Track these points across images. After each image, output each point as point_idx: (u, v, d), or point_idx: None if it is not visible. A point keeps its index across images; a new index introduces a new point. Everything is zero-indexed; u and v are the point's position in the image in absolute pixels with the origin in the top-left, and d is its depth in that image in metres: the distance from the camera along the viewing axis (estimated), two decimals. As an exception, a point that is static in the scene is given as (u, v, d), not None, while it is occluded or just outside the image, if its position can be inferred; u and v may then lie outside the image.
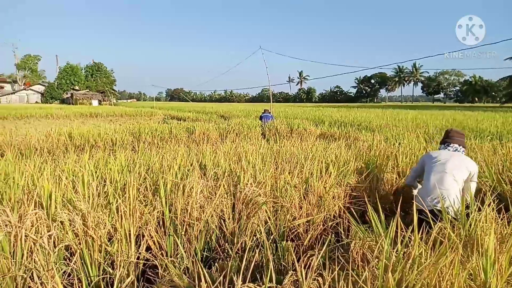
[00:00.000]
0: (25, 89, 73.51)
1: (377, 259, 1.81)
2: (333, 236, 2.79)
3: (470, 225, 2.24)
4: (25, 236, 2.25)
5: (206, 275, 1.68)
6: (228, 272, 1.81)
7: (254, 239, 2.86)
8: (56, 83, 72.69)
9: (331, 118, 15.95)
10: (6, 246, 2.20)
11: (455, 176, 3.01)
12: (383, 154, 4.53)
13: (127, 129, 8.76)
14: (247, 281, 1.68)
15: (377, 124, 12.01)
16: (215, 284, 1.63)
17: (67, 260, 2.42)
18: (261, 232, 2.85)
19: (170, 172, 3.42)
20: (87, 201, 2.61)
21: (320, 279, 1.72)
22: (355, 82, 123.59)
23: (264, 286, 1.61)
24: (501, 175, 3.73)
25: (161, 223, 2.82)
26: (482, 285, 1.72)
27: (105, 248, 2.46)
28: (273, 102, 18.81)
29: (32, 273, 2.21)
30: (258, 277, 2.04)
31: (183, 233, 2.74)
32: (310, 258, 1.88)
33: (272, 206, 3.11)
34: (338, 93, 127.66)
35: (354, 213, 3.33)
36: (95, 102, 66.49)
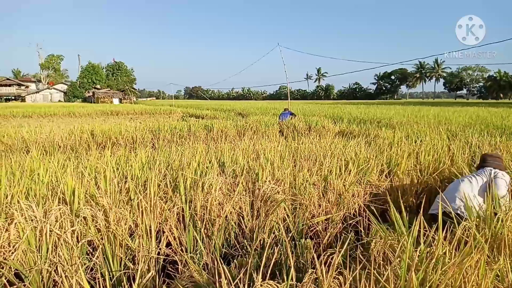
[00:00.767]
0: (48, 88, 75.71)
1: (399, 259, 1.77)
2: (352, 234, 2.75)
3: (496, 225, 2.17)
4: (50, 231, 2.31)
5: (226, 271, 1.68)
6: (248, 269, 1.81)
7: (273, 236, 2.86)
8: (78, 82, 74.63)
9: (350, 115, 15.73)
10: (32, 240, 2.28)
11: (483, 179, 2.96)
12: (405, 151, 4.43)
13: (147, 127, 8.89)
14: (266, 278, 1.68)
15: (397, 121, 11.77)
16: (235, 281, 1.63)
17: (90, 255, 2.48)
18: (279, 230, 2.85)
19: (190, 169, 3.45)
20: (109, 197, 2.67)
21: (340, 277, 1.70)
22: (375, 78, 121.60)
23: (284, 283, 1.61)
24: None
25: (180, 219, 2.85)
26: (511, 286, 1.67)
27: (126, 244, 2.50)
28: (290, 99, 18.68)
29: (56, 267, 2.28)
30: (278, 274, 2.03)
31: (202, 229, 2.75)
32: (330, 256, 1.86)
33: (291, 203, 3.10)
34: (357, 89, 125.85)
35: (375, 211, 3.28)
36: (116, 101, 67.83)
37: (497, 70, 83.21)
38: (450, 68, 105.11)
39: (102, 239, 2.44)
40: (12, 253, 2.21)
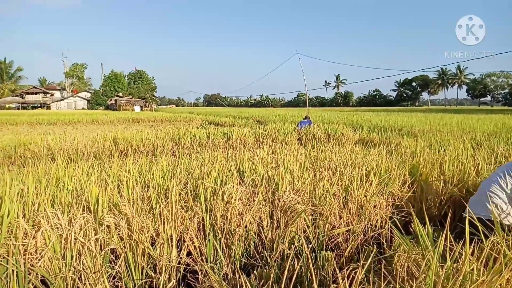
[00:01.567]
0: (72, 96, 78.08)
1: (424, 275, 1.72)
2: (375, 247, 2.69)
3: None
4: (75, 239, 2.37)
5: (247, 283, 1.68)
6: (269, 281, 1.80)
7: (293, 247, 2.83)
8: (101, 90, 76.75)
9: (370, 123, 15.53)
10: (57, 247, 2.33)
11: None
12: (428, 161, 4.33)
13: (167, 135, 9.03)
14: (287, 292, 1.66)
15: (419, 129, 11.53)
16: (256, 294, 1.63)
17: (112, 263, 2.52)
18: (299, 241, 2.82)
19: (210, 178, 3.47)
20: (131, 206, 2.71)
21: (363, 292, 1.67)
22: (395, 85, 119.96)
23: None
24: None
25: (201, 228, 2.87)
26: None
27: (148, 252, 2.53)
28: (309, 106, 18.63)
29: (80, 275, 2.32)
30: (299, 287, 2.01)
31: (222, 239, 2.76)
32: (353, 271, 1.82)
33: (311, 214, 3.07)
34: (377, 96, 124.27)
35: (398, 223, 3.21)
36: (137, 108, 69.28)
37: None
38: (473, 75, 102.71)
39: (124, 247, 2.48)
40: (39, 260, 2.27)
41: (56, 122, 23.41)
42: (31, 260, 2.28)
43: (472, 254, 1.87)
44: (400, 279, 2.02)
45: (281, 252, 2.74)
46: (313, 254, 2.62)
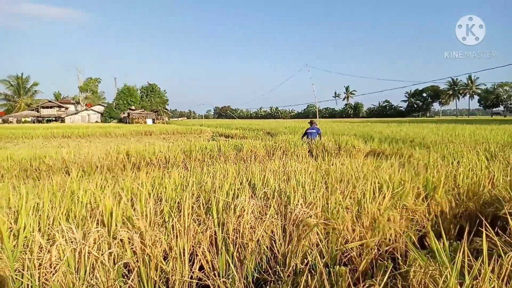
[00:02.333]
0: (86, 109, 79.49)
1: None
2: (389, 262, 2.65)
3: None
4: (88, 253, 2.39)
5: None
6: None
7: (305, 261, 2.80)
8: (114, 104, 78.00)
9: (381, 134, 15.41)
10: (71, 262, 2.36)
11: None
12: (441, 174, 4.26)
13: (179, 147, 9.09)
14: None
15: (431, 140, 11.38)
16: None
17: (125, 277, 2.53)
18: (312, 255, 2.79)
19: (222, 191, 3.48)
20: (144, 220, 2.73)
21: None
22: (406, 96, 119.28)
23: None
24: None
25: (213, 242, 2.86)
26: None
27: (161, 267, 2.54)
28: (319, 118, 18.60)
29: (94, 289, 2.34)
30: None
31: (235, 253, 2.75)
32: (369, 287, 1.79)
33: (324, 228, 3.04)
34: (387, 107, 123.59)
35: (412, 237, 3.15)
36: (149, 121, 70.11)
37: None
38: (485, 85, 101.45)
39: (137, 261, 2.49)
40: (53, 274, 2.29)
41: (70, 136, 23.82)
42: (45, 274, 2.31)
43: (492, 271, 1.83)
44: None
45: (294, 267, 2.71)
46: (326, 269, 2.59)
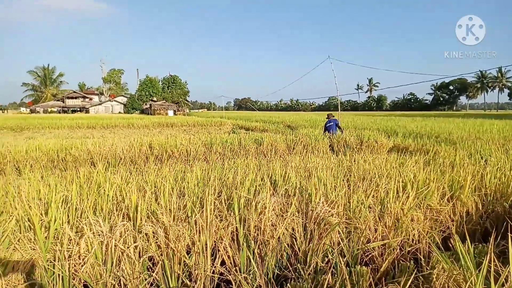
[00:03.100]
0: (110, 100, 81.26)
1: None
2: (411, 263, 2.61)
3: None
4: (115, 246, 2.47)
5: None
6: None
7: (326, 260, 2.80)
8: (136, 95, 79.40)
9: (405, 128, 15.08)
10: (99, 254, 2.44)
11: None
12: (468, 173, 4.14)
13: (200, 140, 9.19)
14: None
15: (457, 136, 11.06)
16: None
17: (150, 270, 2.60)
18: (333, 254, 2.78)
19: (243, 187, 3.51)
20: (168, 215, 2.79)
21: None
22: (431, 88, 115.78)
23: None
24: None
25: (234, 238, 2.90)
26: None
27: (184, 261, 2.59)
28: (340, 110, 18.34)
29: (120, 281, 2.42)
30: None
31: (256, 249, 2.77)
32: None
33: (345, 227, 3.02)
34: (412, 100, 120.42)
35: (436, 238, 3.10)
36: (170, 112, 70.99)
37: None
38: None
39: (161, 255, 2.56)
40: (82, 265, 2.39)
41: (94, 126, 24.45)
42: (74, 266, 2.40)
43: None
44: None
45: (315, 265, 2.71)
46: (347, 268, 2.58)
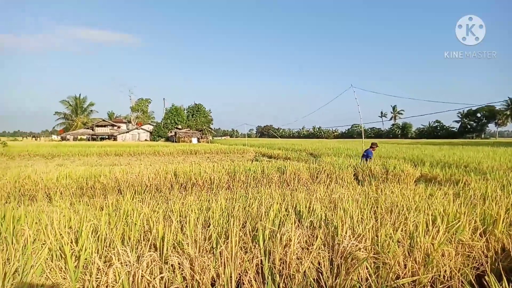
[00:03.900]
0: (137, 128, 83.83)
1: None
2: (445, 302, 2.50)
3: None
4: (141, 276, 2.50)
5: None
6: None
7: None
8: (162, 123, 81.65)
9: (432, 157, 14.67)
10: (126, 285, 2.48)
11: None
12: (501, 206, 3.98)
13: (223, 169, 9.27)
14: None
15: (487, 166, 10.67)
16: None
17: (175, 302, 2.61)
18: (361, 290, 2.71)
19: (267, 217, 3.51)
20: (194, 246, 2.81)
21: None
22: (458, 116, 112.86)
23: None
24: None
25: (259, 271, 2.87)
26: None
27: (209, 294, 2.59)
28: (364, 138, 18.17)
29: (146, 312, 2.43)
30: None
31: (281, 283, 2.74)
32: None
33: (373, 261, 2.94)
34: (438, 128, 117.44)
35: (469, 275, 2.96)
36: (194, 140, 72.32)
37: None
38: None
39: (186, 287, 2.56)
40: (110, 296, 2.42)
41: (122, 154, 25.14)
42: (102, 296, 2.44)
43: None
44: None
45: (342, 302, 2.64)
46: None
